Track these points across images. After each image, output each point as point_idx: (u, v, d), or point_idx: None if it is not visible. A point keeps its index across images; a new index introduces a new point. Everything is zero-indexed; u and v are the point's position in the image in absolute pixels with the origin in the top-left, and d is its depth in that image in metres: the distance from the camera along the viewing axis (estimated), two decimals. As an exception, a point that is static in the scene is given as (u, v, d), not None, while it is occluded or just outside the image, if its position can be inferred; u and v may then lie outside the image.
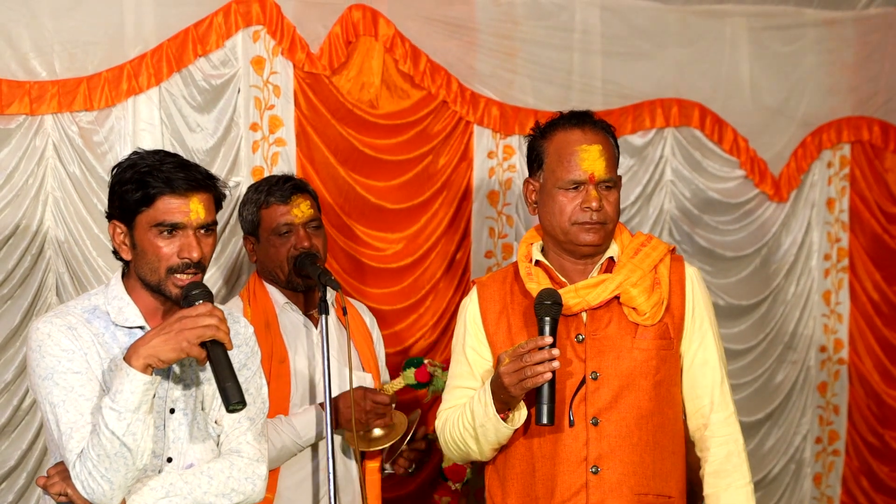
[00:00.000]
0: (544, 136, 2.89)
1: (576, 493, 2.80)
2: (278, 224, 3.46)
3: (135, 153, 2.64)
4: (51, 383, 2.51)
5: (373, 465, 3.50)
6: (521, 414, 2.79)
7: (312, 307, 3.52)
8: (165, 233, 2.56)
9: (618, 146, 2.94)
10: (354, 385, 3.33)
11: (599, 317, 2.86)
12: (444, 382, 3.50)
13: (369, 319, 3.70)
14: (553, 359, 2.65)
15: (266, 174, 4.09)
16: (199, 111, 4.05)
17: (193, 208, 2.57)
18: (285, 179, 3.55)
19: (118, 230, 2.62)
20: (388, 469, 3.60)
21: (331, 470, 3.20)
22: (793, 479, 5.37)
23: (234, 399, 2.43)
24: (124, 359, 2.44)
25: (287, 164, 4.18)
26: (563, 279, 2.90)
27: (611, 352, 2.84)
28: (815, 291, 5.39)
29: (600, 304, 2.84)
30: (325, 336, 3.26)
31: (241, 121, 4.12)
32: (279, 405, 3.37)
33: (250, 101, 4.13)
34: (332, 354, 3.43)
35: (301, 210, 3.47)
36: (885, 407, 5.42)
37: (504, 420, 2.78)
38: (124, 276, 2.68)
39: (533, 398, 2.75)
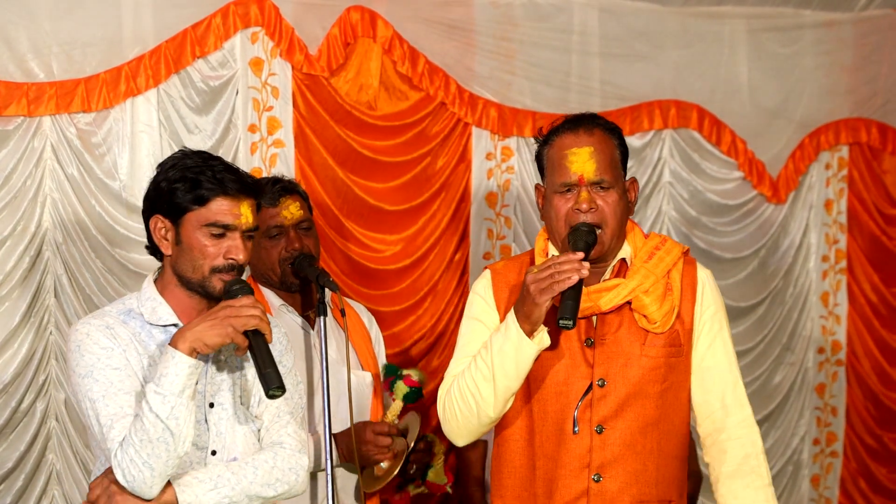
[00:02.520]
0: (546, 142, 2.89)
1: (576, 499, 2.78)
2: (268, 226, 3.46)
3: (180, 151, 2.71)
4: (90, 380, 2.56)
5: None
6: (543, 336, 2.70)
7: (309, 308, 3.52)
8: (215, 233, 2.63)
9: (622, 146, 2.89)
10: (354, 383, 3.33)
11: (609, 321, 2.83)
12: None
13: (367, 319, 3.70)
14: (583, 268, 2.61)
15: (264, 175, 4.09)
16: (197, 112, 4.05)
17: (243, 212, 2.65)
18: (274, 181, 3.54)
19: (160, 225, 2.67)
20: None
21: (329, 473, 3.20)
22: (791, 480, 5.37)
23: (273, 384, 2.50)
24: (170, 343, 2.51)
25: (285, 165, 4.18)
26: None
27: (619, 358, 2.80)
28: (813, 293, 5.39)
29: (611, 308, 2.81)
30: (324, 337, 3.27)
31: (239, 122, 4.12)
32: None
33: (248, 103, 4.13)
34: (330, 355, 3.43)
35: (290, 212, 3.47)
36: (884, 408, 5.42)
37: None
38: (156, 280, 2.73)
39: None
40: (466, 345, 2.88)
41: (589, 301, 2.79)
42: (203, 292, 2.66)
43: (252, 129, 4.14)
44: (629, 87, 4.85)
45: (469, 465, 4.19)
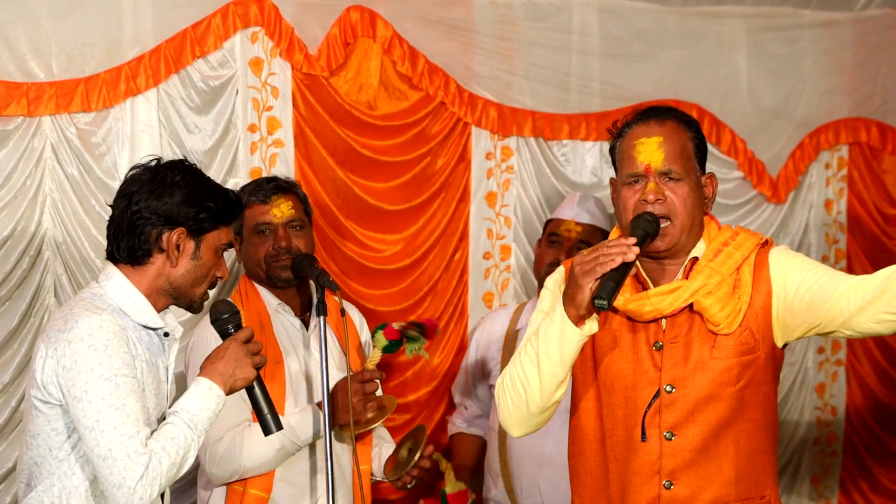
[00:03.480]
0: (619, 135, 2.83)
1: None
2: (257, 223, 3.48)
3: (180, 166, 2.81)
4: (112, 384, 2.54)
5: (364, 468, 3.50)
6: (592, 324, 2.63)
7: (307, 310, 3.54)
8: (221, 253, 2.81)
9: (697, 139, 2.81)
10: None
11: (679, 324, 2.72)
12: (420, 340, 3.56)
13: (359, 321, 3.71)
14: (630, 252, 2.54)
15: (264, 175, 4.09)
16: (197, 112, 4.05)
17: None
18: (269, 180, 3.57)
19: (176, 238, 2.75)
20: (380, 477, 3.60)
21: (329, 470, 3.21)
22: (791, 480, 5.37)
23: (271, 431, 2.76)
24: (208, 377, 2.66)
25: (285, 165, 4.18)
26: (648, 280, 2.77)
27: (688, 362, 2.70)
28: (813, 293, 5.38)
29: (673, 312, 2.71)
30: (323, 336, 3.27)
31: (239, 122, 4.12)
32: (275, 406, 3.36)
33: (248, 103, 4.13)
34: (317, 357, 3.45)
35: (281, 210, 3.48)
36: (883, 408, 5.42)
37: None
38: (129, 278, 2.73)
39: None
40: (530, 336, 2.80)
41: (650, 305, 2.70)
42: (187, 306, 2.77)
43: (252, 128, 4.14)
44: (629, 86, 4.85)
45: (458, 454, 4.23)
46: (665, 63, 4.93)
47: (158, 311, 2.73)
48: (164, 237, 2.68)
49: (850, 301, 2.59)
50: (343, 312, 3.35)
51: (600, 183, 4.79)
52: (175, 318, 2.85)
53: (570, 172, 4.76)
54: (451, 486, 3.83)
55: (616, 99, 4.83)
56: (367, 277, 4.37)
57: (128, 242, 2.69)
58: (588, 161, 4.79)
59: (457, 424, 4.35)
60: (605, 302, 2.53)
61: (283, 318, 3.50)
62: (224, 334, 2.77)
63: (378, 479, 3.62)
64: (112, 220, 2.74)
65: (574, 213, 4.16)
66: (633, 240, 2.58)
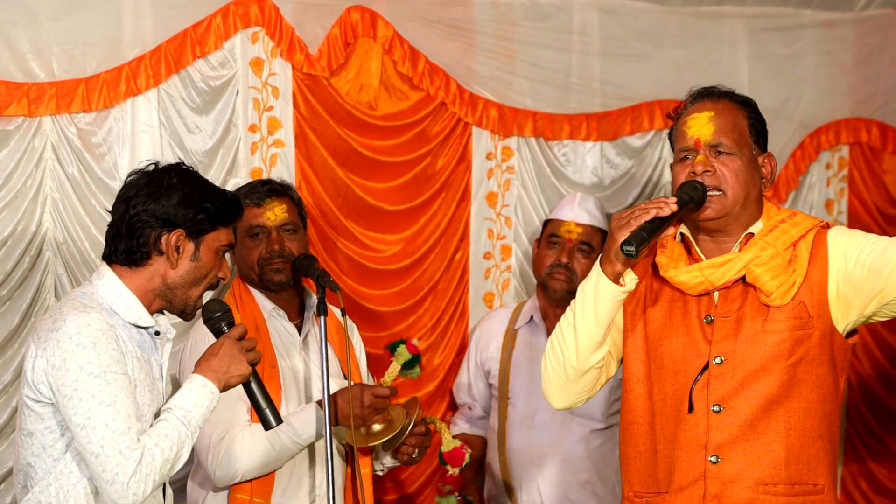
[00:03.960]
0: (677, 119, 2.84)
1: (693, 482, 2.67)
2: (251, 226, 3.49)
3: (176, 171, 2.83)
4: (101, 381, 2.55)
5: (365, 471, 3.50)
6: (627, 279, 2.64)
7: (299, 314, 3.54)
8: (222, 254, 2.82)
9: (753, 118, 2.79)
10: (337, 390, 3.35)
11: (732, 298, 2.71)
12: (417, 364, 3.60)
13: (350, 324, 3.70)
14: (666, 207, 2.57)
15: (265, 176, 4.09)
16: (197, 112, 4.05)
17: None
18: (263, 182, 3.58)
19: (176, 239, 2.76)
20: (390, 463, 3.59)
21: (330, 470, 3.20)
22: (791, 480, 5.36)
23: (271, 425, 2.75)
24: (202, 374, 2.66)
25: (286, 165, 4.18)
26: (702, 255, 2.76)
27: (739, 335, 2.68)
28: (813, 293, 5.37)
29: (726, 284, 2.69)
30: (324, 337, 3.27)
31: (239, 122, 4.11)
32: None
33: (249, 103, 4.13)
34: (313, 362, 3.45)
35: (275, 213, 3.49)
36: (885, 409, 5.41)
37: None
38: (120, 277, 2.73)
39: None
40: None
41: (701, 277, 2.69)
42: (180, 310, 2.78)
43: (252, 128, 4.13)
44: (629, 86, 4.85)
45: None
46: (666, 63, 4.93)
47: (152, 313, 2.75)
48: (164, 239, 2.70)
49: None
50: (344, 312, 3.35)
51: (601, 183, 4.79)
52: (168, 320, 2.86)
53: (571, 172, 4.76)
54: (447, 444, 3.79)
55: (617, 99, 4.83)
56: (367, 277, 4.37)
57: (126, 245, 2.71)
58: (588, 161, 4.79)
59: (459, 425, 4.35)
60: (632, 248, 2.54)
61: (276, 323, 3.50)
62: (217, 333, 2.79)
63: (388, 467, 3.60)
64: (111, 224, 2.77)
65: (574, 213, 4.16)
66: (672, 199, 2.60)
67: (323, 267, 3.46)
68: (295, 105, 4.22)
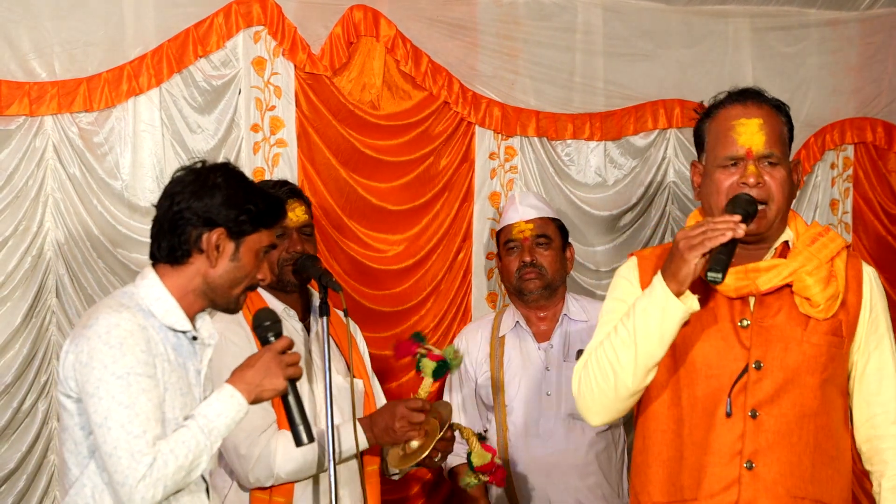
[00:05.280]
0: (708, 116, 2.76)
1: (726, 488, 2.59)
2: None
3: (222, 169, 2.80)
4: (124, 383, 2.54)
5: (371, 469, 3.48)
6: (693, 300, 2.53)
7: (308, 314, 3.53)
8: (262, 255, 2.78)
9: (789, 125, 2.76)
10: (346, 389, 3.33)
11: (769, 304, 2.64)
12: (456, 355, 3.52)
13: (352, 325, 3.69)
14: (738, 228, 2.48)
15: (267, 175, 4.09)
16: (199, 112, 4.04)
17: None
18: (282, 183, 3.56)
19: (216, 238, 2.72)
20: (406, 467, 3.55)
21: (332, 472, 3.19)
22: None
23: (303, 442, 2.72)
24: (233, 385, 2.64)
25: (288, 165, 4.17)
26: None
27: (778, 342, 2.61)
28: (818, 293, 5.35)
29: (770, 289, 2.62)
30: (326, 338, 3.26)
31: (241, 122, 4.11)
32: (280, 410, 3.35)
33: (251, 102, 4.12)
34: (316, 363, 3.43)
35: (296, 214, 3.49)
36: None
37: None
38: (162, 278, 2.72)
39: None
40: (607, 323, 2.69)
41: (746, 280, 2.62)
42: (224, 308, 2.77)
43: (255, 128, 4.13)
44: (633, 86, 4.83)
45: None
46: (669, 62, 4.91)
47: (194, 313, 2.73)
48: (204, 238, 2.69)
49: (861, 424, 2.70)
50: (346, 312, 3.34)
51: (604, 183, 4.77)
52: (213, 324, 2.84)
53: (574, 172, 4.74)
54: (478, 457, 3.69)
55: (620, 98, 4.81)
56: (369, 277, 4.36)
57: (169, 242, 2.70)
58: (592, 161, 4.77)
59: (457, 451, 4.24)
60: (718, 275, 2.47)
61: (287, 324, 3.49)
62: (264, 342, 2.77)
63: (404, 470, 3.55)
64: (155, 220, 2.75)
65: (520, 214, 4.14)
66: (738, 217, 2.52)
67: (325, 267, 3.45)
68: (297, 105, 4.21)
